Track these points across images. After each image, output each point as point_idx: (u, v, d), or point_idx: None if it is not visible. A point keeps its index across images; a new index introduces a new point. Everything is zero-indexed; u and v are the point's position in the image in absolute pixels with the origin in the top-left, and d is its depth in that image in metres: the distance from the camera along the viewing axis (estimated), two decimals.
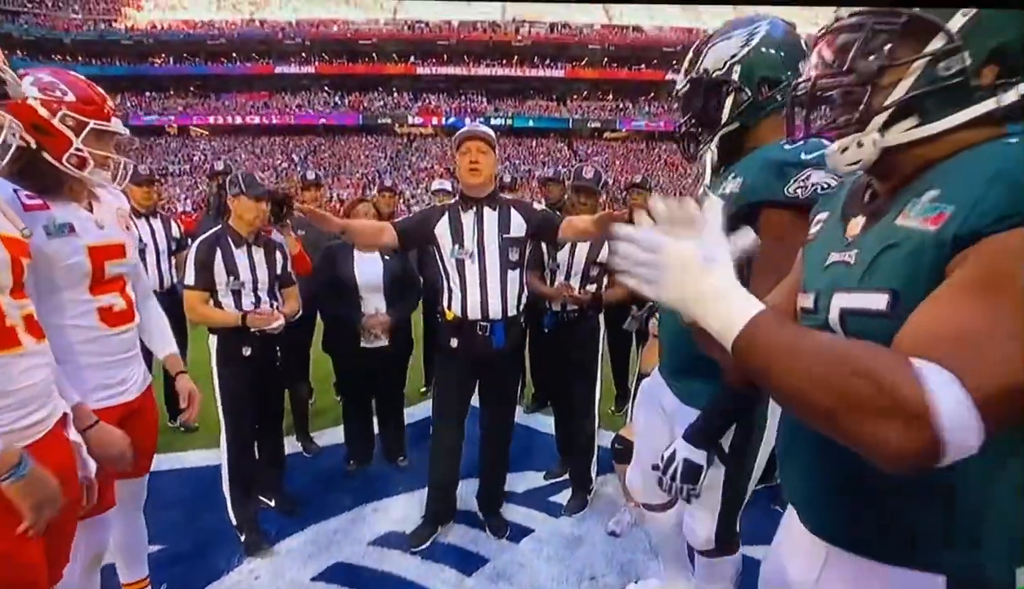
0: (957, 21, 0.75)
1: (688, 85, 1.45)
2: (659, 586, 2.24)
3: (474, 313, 2.44)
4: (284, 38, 39.47)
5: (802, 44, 1.41)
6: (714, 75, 1.39)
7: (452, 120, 40.29)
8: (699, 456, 1.38)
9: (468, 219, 2.45)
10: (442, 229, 2.46)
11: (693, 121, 1.48)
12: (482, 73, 40.90)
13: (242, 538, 2.59)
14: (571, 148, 38.33)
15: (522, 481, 3.20)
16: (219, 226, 2.64)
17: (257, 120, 39.16)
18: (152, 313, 1.95)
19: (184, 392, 1.98)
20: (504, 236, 2.44)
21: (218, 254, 2.53)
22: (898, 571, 0.84)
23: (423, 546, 2.59)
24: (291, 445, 3.60)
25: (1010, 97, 0.75)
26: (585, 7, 42.42)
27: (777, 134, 1.36)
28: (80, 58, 37.10)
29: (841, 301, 0.85)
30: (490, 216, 2.45)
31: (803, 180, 1.24)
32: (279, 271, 2.72)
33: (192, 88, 40.52)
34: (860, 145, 0.83)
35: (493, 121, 38.02)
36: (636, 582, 2.34)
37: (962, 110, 0.77)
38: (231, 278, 2.55)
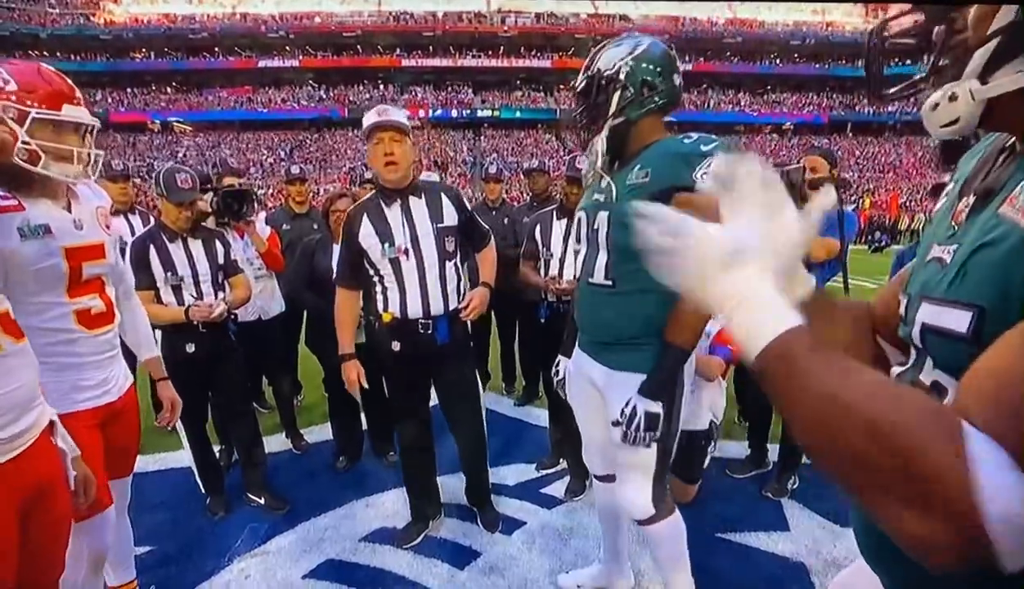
0: None
1: (584, 82, 1.67)
2: (598, 572, 2.27)
3: (414, 312, 2.32)
4: (267, 31, 39.03)
5: (675, 60, 1.65)
6: (605, 74, 1.61)
7: (439, 112, 40.14)
8: (655, 405, 1.57)
9: (393, 214, 2.29)
10: (366, 232, 2.28)
11: (587, 112, 1.68)
12: (468, 64, 40.70)
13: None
14: (558, 139, 38.22)
15: (513, 473, 3.19)
16: (152, 224, 2.63)
17: (240, 115, 38.72)
18: (134, 314, 1.92)
19: (166, 399, 2.00)
20: (438, 225, 2.31)
21: (152, 251, 2.50)
22: None
23: (414, 543, 2.57)
24: (281, 442, 3.58)
25: None
26: None
27: (656, 131, 1.63)
28: (58, 54, 36.46)
29: (925, 314, 0.67)
30: (418, 206, 2.31)
31: (707, 167, 1.43)
32: (221, 261, 2.70)
33: (174, 83, 39.97)
34: (953, 98, 0.63)
35: (480, 113, 37.96)
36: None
37: None
38: (168, 274, 2.52)
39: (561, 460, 3.26)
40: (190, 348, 2.54)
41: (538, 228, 3.20)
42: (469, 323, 2.48)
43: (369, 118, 2.24)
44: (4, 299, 1.26)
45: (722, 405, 2.91)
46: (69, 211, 1.58)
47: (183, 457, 2.79)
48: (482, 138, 38.66)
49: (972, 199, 0.68)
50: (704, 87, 40.86)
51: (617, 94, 1.60)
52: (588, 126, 1.69)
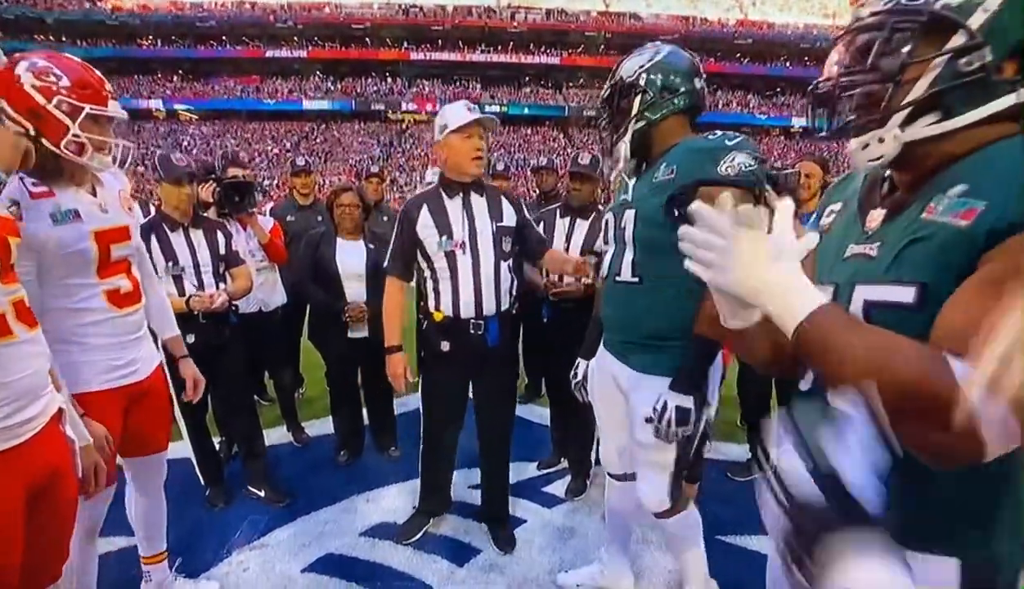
0: (978, 18, 0.76)
1: (608, 90, 1.76)
2: (598, 571, 2.28)
3: (467, 311, 2.27)
4: (275, 21, 38.95)
5: (697, 66, 1.73)
6: (627, 81, 1.70)
7: None
8: (687, 401, 1.60)
9: (454, 207, 2.26)
10: (424, 223, 2.25)
11: (611, 119, 1.77)
12: (477, 59, 40.59)
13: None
14: (567, 136, 38.15)
15: (515, 471, 3.16)
16: (153, 213, 2.62)
17: (247, 105, 38.74)
18: (154, 294, 1.98)
19: (189, 376, 2.06)
20: (498, 224, 2.28)
21: (153, 241, 2.50)
22: (912, 555, 0.81)
23: (414, 538, 2.55)
24: (282, 435, 3.58)
25: None
26: None
27: (678, 132, 1.70)
28: (64, 39, 36.48)
29: (865, 293, 0.86)
30: (479, 203, 2.29)
31: (730, 161, 1.50)
32: (222, 252, 2.70)
33: (180, 71, 39.96)
34: (881, 141, 0.84)
35: (488, 108, 37.33)
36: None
37: (983, 105, 0.78)
38: (170, 263, 2.53)
39: (562, 459, 3.25)
40: (190, 339, 2.51)
41: (542, 226, 3.19)
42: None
43: (459, 114, 2.20)
44: (20, 287, 1.27)
45: (714, 405, 2.90)
46: (94, 196, 1.66)
47: (183, 448, 2.78)
48: (490, 134, 38.53)
49: (883, 212, 0.90)
50: (714, 87, 40.67)
51: (637, 99, 1.68)
52: (613, 131, 1.76)
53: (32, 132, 1.42)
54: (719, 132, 1.61)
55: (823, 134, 0.94)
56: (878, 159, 0.86)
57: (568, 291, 2.85)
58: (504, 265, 2.31)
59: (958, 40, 0.77)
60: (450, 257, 2.24)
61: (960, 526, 0.82)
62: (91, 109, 1.50)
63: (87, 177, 1.64)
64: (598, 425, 2.11)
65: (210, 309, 2.53)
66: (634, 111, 1.68)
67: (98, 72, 1.60)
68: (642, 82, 1.67)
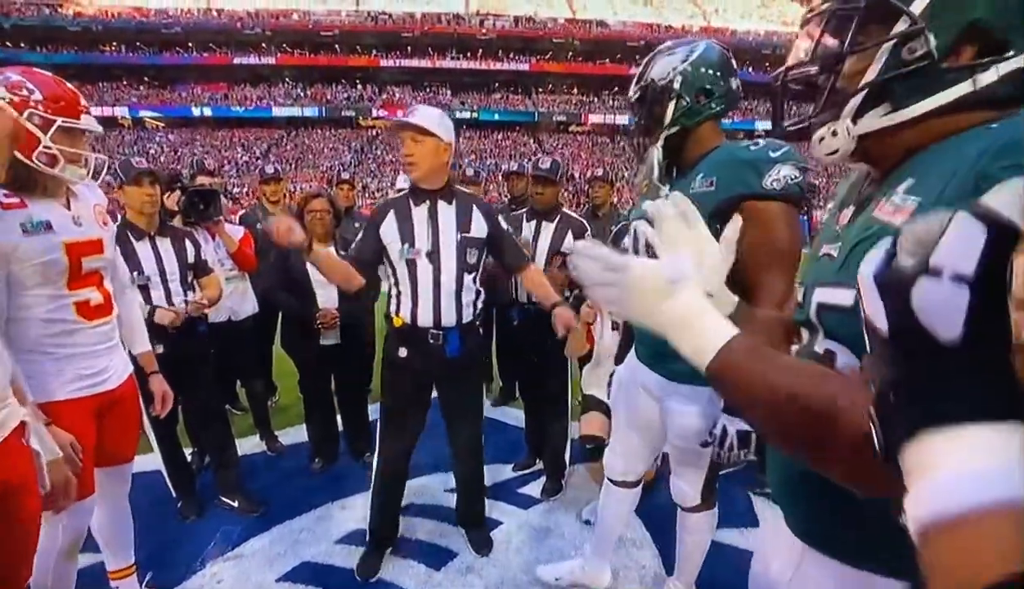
0: (920, 2, 0.72)
1: (638, 93, 1.64)
2: (578, 566, 2.32)
3: (425, 319, 2.21)
4: (243, 28, 38.43)
5: (732, 63, 1.63)
6: (660, 84, 1.58)
7: None
8: (744, 423, 1.52)
9: (420, 214, 2.20)
10: (388, 227, 2.21)
11: (642, 123, 1.66)
12: (447, 66, 40.63)
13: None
14: (537, 141, 38.37)
15: (490, 473, 3.18)
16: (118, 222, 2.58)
17: (215, 112, 38.11)
18: (128, 308, 1.98)
19: (158, 392, 2.07)
20: (464, 235, 2.21)
21: (118, 250, 2.45)
22: (864, 575, 0.83)
23: (373, 580, 2.37)
24: (255, 444, 3.55)
25: (988, 77, 0.70)
26: (550, 0, 42.53)
27: (715, 137, 1.62)
28: (23, 45, 35.44)
29: (819, 296, 0.83)
30: (446, 211, 2.21)
31: (775, 174, 1.43)
32: (191, 260, 2.68)
33: (146, 78, 39.14)
34: (835, 134, 0.82)
35: (458, 114, 37.87)
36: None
37: (933, 95, 0.73)
38: (135, 273, 2.48)
39: (537, 460, 3.28)
40: (159, 349, 2.48)
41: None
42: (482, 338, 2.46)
43: (391, 122, 2.21)
44: None
45: None
46: (68, 208, 1.67)
47: (153, 460, 2.73)
48: (460, 139, 38.65)
49: (852, 210, 0.86)
50: (740, 91, 41.24)
51: (672, 104, 1.57)
52: (643, 137, 1.68)
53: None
54: (761, 141, 1.52)
55: (777, 129, 0.93)
56: (834, 152, 0.83)
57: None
58: (468, 277, 2.24)
59: (900, 26, 0.73)
60: (411, 265, 2.20)
61: (912, 549, 0.74)
62: (63, 122, 1.53)
63: (61, 190, 1.66)
64: (613, 430, 2.11)
65: (172, 325, 2.50)
66: (668, 118, 1.58)
67: (69, 85, 1.62)
68: (677, 85, 1.56)
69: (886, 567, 0.81)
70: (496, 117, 40.02)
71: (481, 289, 2.34)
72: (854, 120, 0.79)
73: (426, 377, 2.38)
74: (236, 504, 2.84)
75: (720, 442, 1.54)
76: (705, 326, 0.74)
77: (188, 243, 2.68)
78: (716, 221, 1.48)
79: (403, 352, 2.28)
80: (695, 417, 1.68)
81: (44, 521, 1.61)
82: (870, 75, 0.77)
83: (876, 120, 0.78)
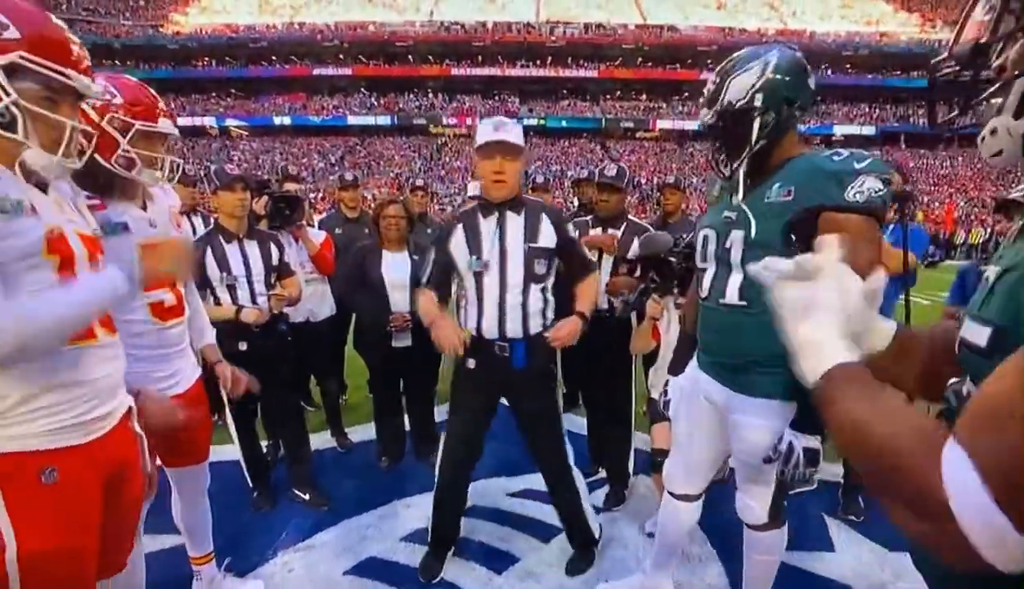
0: None
1: (716, 118, 1.61)
2: (639, 584, 2.26)
3: (491, 332, 2.19)
4: (322, 40, 40.20)
5: (806, 64, 1.58)
6: (739, 105, 1.55)
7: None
8: (815, 441, 1.50)
9: (488, 226, 2.20)
10: (456, 242, 2.22)
11: (727, 146, 1.64)
12: (516, 74, 41.00)
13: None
14: (604, 148, 38.05)
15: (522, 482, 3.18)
16: (211, 226, 2.75)
17: (295, 121, 40.00)
18: (192, 305, 2.04)
19: (225, 376, 2.07)
20: (531, 245, 2.17)
21: (209, 252, 2.62)
22: None
23: (435, 580, 2.40)
24: (326, 440, 3.68)
25: None
26: (620, 6, 42.18)
27: (795, 145, 1.60)
28: (128, 62, 38.45)
29: (965, 330, 0.74)
30: (514, 222, 2.19)
31: (859, 186, 1.39)
32: (275, 263, 2.81)
33: (232, 90, 41.60)
34: (994, 132, 0.70)
35: (526, 121, 38.15)
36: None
37: None
38: (224, 274, 2.63)
39: (600, 469, 3.24)
40: (243, 346, 2.64)
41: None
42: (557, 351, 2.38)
43: (484, 132, 2.13)
44: None
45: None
46: (145, 211, 1.73)
47: (232, 451, 2.89)
48: (528, 146, 38.85)
49: (1018, 225, 0.76)
50: (817, 94, 39.93)
51: (757, 122, 1.54)
52: (728, 157, 1.65)
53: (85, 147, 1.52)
54: (845, 152, 1.49)
55: (934, 129, 0.85)
56: (998, 154, 0.71)
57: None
58: (535, 287, 2.21)
59: None
60: (478, 277, 2.19)
61: None
62: (141, 125, 1.58)
63: (138, 192, 1.72)
64: (674, 441, 2.05)
65: (257, 322, 2.64)
66: (754, 137, 1.55)
67: (151, 90, 1.67)
68: (758, 103, 1.53)
69: None
70: (564, 124, 40.01)
71: (551, 299, 2.28)
72: (1016, 116, 0.66)
73: (493, 388, 2.35)
74: (307, 497, 2.95)
75: (786, 459, 1.50)
76: (821, 351, 0.73)
77: (272, 246, 2.83)
78: (792, 231, 1.48)
79: (471, 363, 2.27)
80: (763, 432, 1.62)
81: None
82: None
83: None
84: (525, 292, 2.19)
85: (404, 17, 41.73)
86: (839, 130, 38.65)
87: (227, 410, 2.80)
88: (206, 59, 41.01)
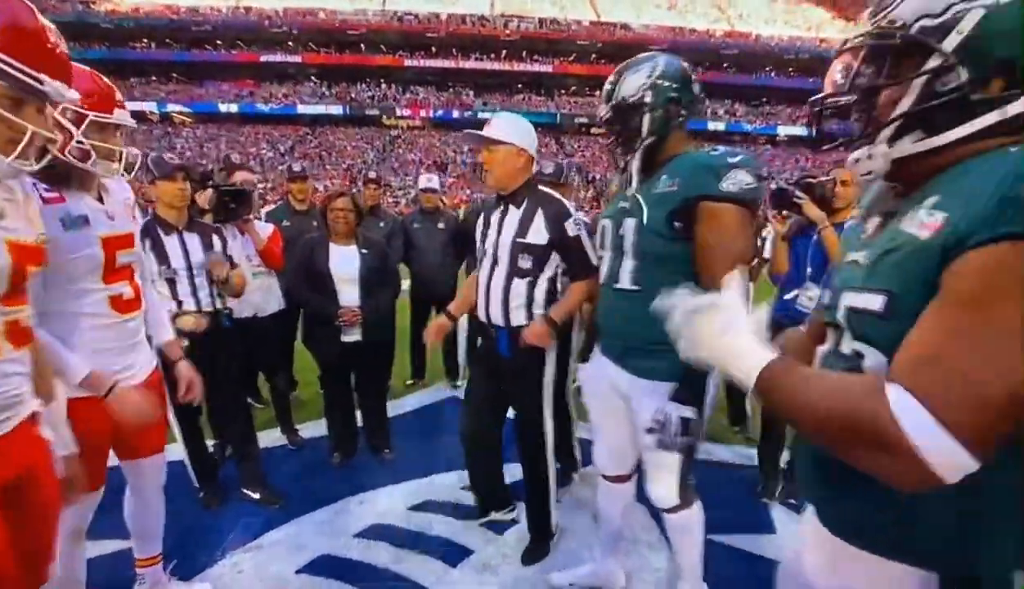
0: (952, 40, 0.77)
1: (611, 112, 1.77)
2: (590, 571, 2.32)
3: (483, 315, 2.34)
4: (270, 26, 38.98)
5: (690, 72, 1.76)
6: (631, 101, 1.72)
7: (440, 113, 40.18)
8: (690, 411, 1.59)
9: (495, 216, 2.31)
10: (478, 226, 2.40)
11: (621, 137, 1.79)
12: (471, 67, 40.79)
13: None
14: (559, 143, 38.33)
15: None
16: (148, 216, 2.62)
17: (241, 109, 38.70)
18: (152, 299, 2.00)
19: (184, 379, 2.05)
20: (518, 240, 2.21)
21: (147, 244, 2.50)
22: (893, 565, 0.87)
23: (484, 519, 2.74)
24: (276, 437, 3.61)
25: (1015, 108, 0.76)
26: (574, 3, 42.50)
27: (682, 143, 1.76)
28: None
29: (847, 300, 0.90)
30: (512, 215, 2.25)
31: (733, 178, 1.56)
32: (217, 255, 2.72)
33: (175, 74, 39.87)
34: (871, 157, 0.89)
35: (481, 114, 38.02)
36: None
37: (965, 123, 0.79)
38: (163, 267, 2.54)
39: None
40: (184, 343, 2.54)
41: None
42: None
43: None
44: (24, 308, 1.27)
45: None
46: (101, 203, 1.70)
47: (177, 450, 2.80)
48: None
49: (878, 221, 0.95)
50: (702, 96, 40.99)
51: (647, 117, 1.70)
52: (623, 150, 1.80)
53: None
54: (722, 148, 1.66)
55: (825, 147, 1.01)
56: (869, 174, 0.90)
57: None
58: (519, 281, 2.24)
59: (933, 62, 0.79)
60: (481, 262, 2.36)
61: (942, 541, 0.82)
62: (95, 116, 1.54)
63: (94, 184, 1.69)
64: (592, 427, 2.13)
65: (193, 331, 2.55)
66: (645, 130, 1.71)
67: (106, 80, 1.63)
68: (648, 100, 1.69)
69: (918, 559, 0.85)
70: None
71: (539, 295, 2.27)
72: (890, 144, 0.86)
73: (491, 367, 2.46)
74: (257, 496, 2.89)
75: (663, 428, 1.60)
76: (750, 355, 0.88)
77: (215, 238, 2.73)
78: (676, 219, 1.64)
79: (479, 341, 2.50)
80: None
81: None
82: (905, 105, 0.83)
83: (910, 146, 0.85)
84: (507, 284, 2.25)
85: (356, 5, 40.82)
86: (783, 131, 40.19)
87: (169, 407, 2.69)
88: (145, 41, 39.15)
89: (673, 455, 1.77)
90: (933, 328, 0.72)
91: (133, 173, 1.72)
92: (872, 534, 0.90)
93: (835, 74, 0.94)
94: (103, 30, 37.74)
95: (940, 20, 0.79)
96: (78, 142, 1.52)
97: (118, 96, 1.64)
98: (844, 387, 0.78)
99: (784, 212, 2.85)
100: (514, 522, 2.76)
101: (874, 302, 0.83)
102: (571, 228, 2.21)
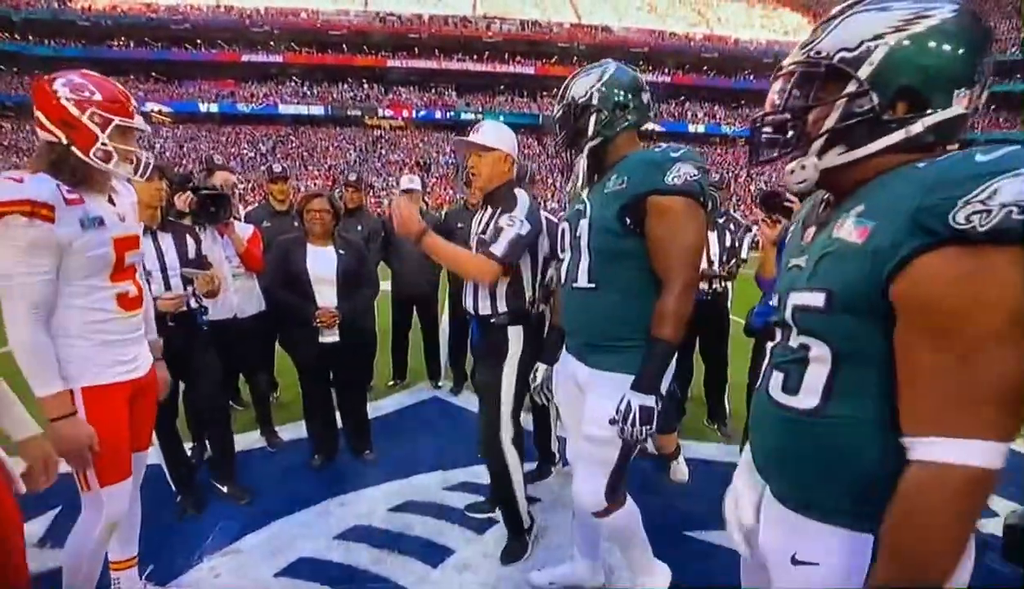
0: (865, 70, 0.92)
1: (561, 111, 1.84)
2: (570, 569, 2.33)
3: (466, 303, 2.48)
4: (251, 26, 38.58)
5: (641, 81, 1.81)
6: (580, 101, 1.78)
7: (423, 113, 40.08)
8: (648, 400, 1.64)
9: (477, 216, 2.45)
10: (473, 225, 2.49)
11: (568, 136, 1.84)
12: (454, 67, 40.77)
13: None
14: (541, 144, 38.44)
15: (486, 473, 3.21)
16: None
17: (222, 108, 38.25)
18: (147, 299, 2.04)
19: (161, 381, 2.11)
20: (480, 236, 2.34)
21: None
22: (836, 530, 0.98)
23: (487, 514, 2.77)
24: (256, 439, 3.58)
25: (916, 128, 0.91)
26: (556, 5, 42.69)
27: (629, 144, 1.80)
28: (31, 38, 35.63)
29: (793, 299, 1.01)
30: (486, 213, 2.37)
31: (676, 172, 1.61)
32: (191, 256, 2.71)
33: (154, 73, 39.29)
34: (803, 168, 1.01)
35: (464, 115, 38.04)
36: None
37: (877, 140, 0.94)
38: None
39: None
40: (160, 341, 2.52)
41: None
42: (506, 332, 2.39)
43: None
44: None
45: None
46: (113, 205, 1.79)
47: (153, 453, 2.75)
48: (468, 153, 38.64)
49: (814, 229, 1.06)
50: (682, 99, 41.61)
51: (593, 118, 1.76)
52: (570, 149, 1.86)
53: (64, 141, 1.61)
54: (664, 145, 1.71)
55: (760, 160, 1.12)
56: (802, 182, 1.02)
57: None
58: None
59: (851, 87, 0.93)
60: None
61: (878, 506, 0.88)
62: (120, 121, 1.67)
63: (107, 187, 1.78)
64: (564, 426, 2.17)
65: (175, 309, 2.54)
66: (591, 130, 1.77)
67: (123, 89, 1.74)
68: (595, 102, 1.76)
69: (861, 523, 0.95)
70: (500, 119, 39.72)
71: (501, 290, 2.32)
72: (819, 156, 0.99)
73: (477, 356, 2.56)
74: (226, 490, 2.89)
75: (624, 417, 1.64)
76: None
77: (189, 238, 2.71)
78: (626, 215, 1.68)
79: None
80: (612, 404, 1.69)
81: (84, 506, 1.81)
82: (829, 123, 0.97)
83: (835, 158, 0.98)
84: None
85: (338, 6, 40.58)
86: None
87: None
88: (123, 39, 38.47)
89: (610, 453, 1.80)
90: (920, 366, 0.82)
91: (147, 175, 1.81)
92: (821, 505, 1.00)
93: (773, 95, 1.07)
94: (79, 28, 36.98)
95: (855, 53, 0.93)
96: (102, 144, 1.64)
97: (133, 103, 1.74)
98: (902, 510, 0.84)
99: (774, 216, 2.87)
100: (493, 522, 2.76)
101: (816, 299, 0.94)
102: (504, 220, 2.29)
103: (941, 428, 0.79)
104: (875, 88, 0.91)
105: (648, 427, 1.64)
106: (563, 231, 1.95)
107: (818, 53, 0.98)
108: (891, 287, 0.83)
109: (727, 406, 3.93)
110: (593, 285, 1.78)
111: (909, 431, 0.83)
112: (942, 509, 0.79)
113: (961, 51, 0.89)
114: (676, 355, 1.74)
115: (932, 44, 0.89)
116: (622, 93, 1.76)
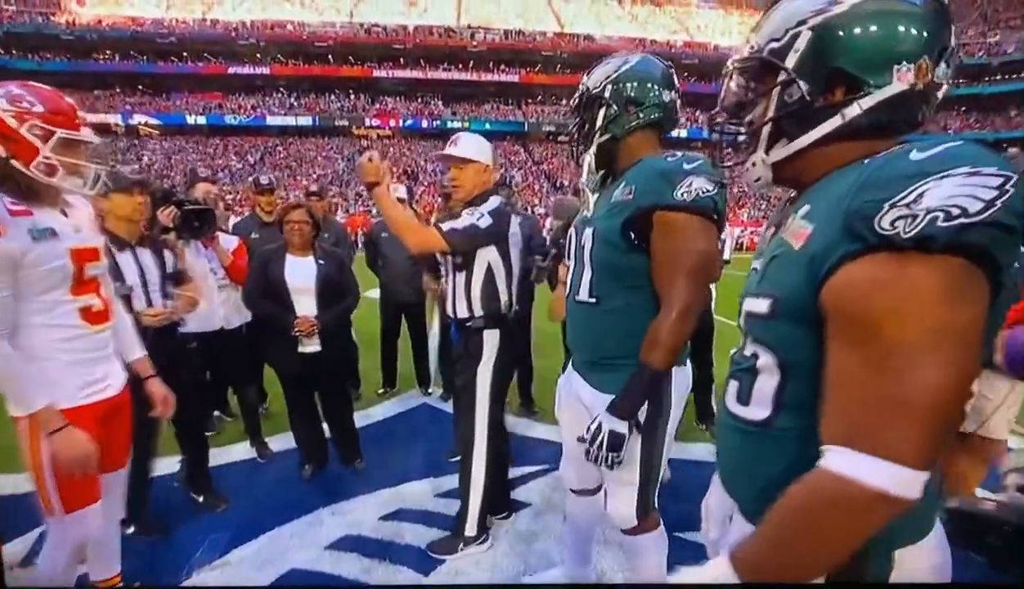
0: (791, 58, 0.89)
1: (576, 99, 1.71)
2: (561, 576, 2.32)
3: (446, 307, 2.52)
4: (237, 38, 38.55)
5: (669, 76, 1.67)
6: (593, 91, 1.64)
7: (409, 123, 40.17)
8: (621, 425, 1.52)
9: None
10: None
11: (577, 129, 1.73)
12: (439, 77, 40.93)
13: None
14: (527, 151, 38.61)
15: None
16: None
17: (210, 120, 38.14)
18: (118, 316, 1.99)
19: (158, 396, 2.07)
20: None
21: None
22: None
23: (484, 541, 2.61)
24: (246, 450, 3.56)
25: (852, 111, 0.86)
26: (539, 15, 43.05)
27: (644, 147, 1.64)
28: (14, 52, 35.37)
29: (746, 305, 0.97)
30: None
31: (687, 186, 1.47)
32: (170, 270, 2.68)
33: (140, 86, 39.10)
34: (754, 165, 0.98)
35: (450, 124, 38.13)
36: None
37: (813, 128, 0.90)
38: (118, 284, 2.42)
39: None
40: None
41: None
42: (483, 341, 2.44)
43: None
44: None
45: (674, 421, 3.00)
46: (66, 217, 1.72)
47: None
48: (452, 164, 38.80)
49: (773, 230, 1.01)
50: (673, 105, 41.97)
51: (601, 112, 1.62)
52: (579, 142, 1.73)
53: (3, 154, 1.53)
54: (679, 154, 1.54)
55: (723, 164, 1.12)
56: (758, 179, 0.99)
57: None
58: (457, 275, 2.43)
59: (781, 77, 0.91)
60: None
61: None
62: (63, 133, 1.59)
63: (58, 200, 1.71)
64: (563, 441, 2.06)
65: (158, 322, 2.51)
66: (598, 124, 1.63)
67: (70, 100, 1.67)
68: (607, 94, 1.61)
69: None
70: (487, 127, 40.24)
71: (476, 293, 2.41)
72: (767, 151, 0.96)
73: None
74: (201, 499, 2.89)
75: (592, 439, 1.55)
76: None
77: (167, 253, 2.68)
78: (631, 229, 1.54)
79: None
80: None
81: (49, 530, 1.75)
82: (766, 116, 0.94)
83: (781, 151, 0.95)
84: (452, 278, 2.46)
85: (323, 18, 40.66)
86: (741, 138, 41.11)
87: None
88: (108, 52, 38.28)
89: (632, 471, 1.67)
90: (839, 375, 0.77)
91: (97, 189, 1.74)
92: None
93: (721, 96, 1.05)
94: (64, 41, 36.82)
95: (783, 42, 0.90)
96: (45, 157, 1.56)
97: (81, 115, 1.68)
98: (794, 505, 0.78)
99: None
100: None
101: (762, 306, 0.90)
102: (467, 210, 2.36)
103: (852, 440, 0.73)
104: (803, 75, 0.88)
105: (615, 454, 1.53)
106: (570, 237, 1.82)
107: (753, 48, 0.96)
108: (820, 294, 0.79)
109: (715, 407, 3.96)
110: (594, 300, 1.65)
111: (824, 439, 0.77)
112: (836, 523, 0.74)
113: (895, 25, 0.83)
114: None
115: (857, 23, 0.84)
116: (639, 88, 1.60)
